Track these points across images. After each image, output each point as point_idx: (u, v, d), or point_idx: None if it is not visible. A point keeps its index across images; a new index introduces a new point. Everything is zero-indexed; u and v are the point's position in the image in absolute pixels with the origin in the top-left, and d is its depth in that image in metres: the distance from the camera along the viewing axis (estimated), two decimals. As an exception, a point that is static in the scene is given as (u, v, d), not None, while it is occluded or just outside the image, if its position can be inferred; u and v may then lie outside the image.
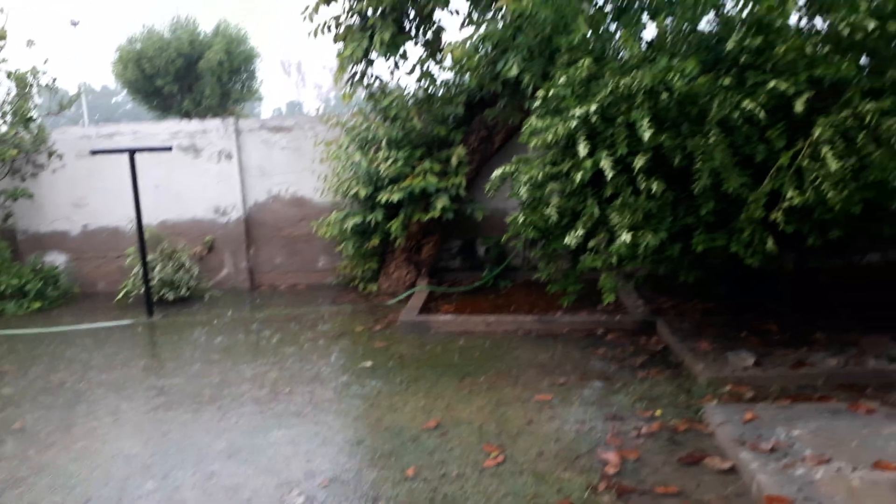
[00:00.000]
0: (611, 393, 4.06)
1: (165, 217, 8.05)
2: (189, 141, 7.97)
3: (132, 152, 6.67)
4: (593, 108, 3.87)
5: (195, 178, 8.01)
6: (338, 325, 6.11)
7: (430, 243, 7.26)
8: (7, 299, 7.39)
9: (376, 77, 6.86)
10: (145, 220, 7.13)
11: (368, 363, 4.91)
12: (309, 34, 6.72)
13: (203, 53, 17.61)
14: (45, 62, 7.82)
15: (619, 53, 4.44)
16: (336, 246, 7.53)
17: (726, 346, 4.55)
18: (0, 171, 7.79)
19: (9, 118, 7.67)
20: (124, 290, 7.35)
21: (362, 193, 6.78)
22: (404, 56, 6.63)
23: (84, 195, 8.17)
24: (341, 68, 6.74)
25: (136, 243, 7.03)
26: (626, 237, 3.78)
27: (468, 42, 5.49)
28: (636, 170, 3.82)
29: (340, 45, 6.55)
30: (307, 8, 6.43)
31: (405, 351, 5.17)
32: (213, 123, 8.03)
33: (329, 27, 6.58)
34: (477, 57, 5.37)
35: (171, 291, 7.28)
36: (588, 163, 3.91)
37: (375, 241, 7.05)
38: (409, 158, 6.68)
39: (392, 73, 6.93)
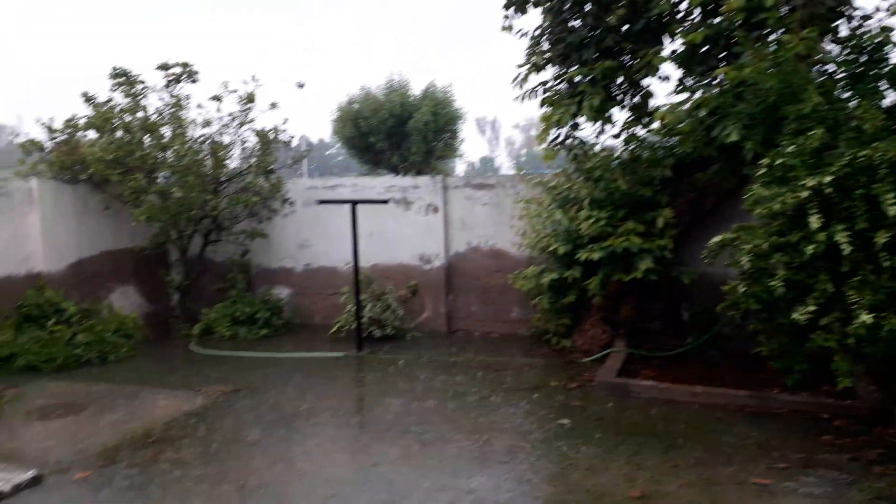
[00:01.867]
0: (842, 487, 3.69)
1: (376, 261, 8.75)
2: (401, 194, 8.66)
3: (354, 203, 7.42)
4: (827, 179, 3.67)
5: (404, 228, 8.66)
6: (532, 377, 6.19)
7: (628, 304, 7.11)
8: (240, 325, 8.44)
9: (580, 140, 7.01)
10: (359, 263, 7.83)
11: (566, 421, 4.92)
12: (515, 99, 7.06)
13: (412, 114, 19.14)
14: (285, 122, 8.99)
15: (853, 122, 4.14)
16: (530, 299, 7.66)
17: None
18: (242, 214, 9.00)
19: (253, 170, 8.89)
20: (337, 325, 8.08)
21: (561, 250, 6.87)
22: (609, 120, 6.72)
23: (308, 238, 9.16)
24: (545, 130, 6.98)
25: (350, 283, 7.74)
26: (866, 318, 3.48)
27: (680, 107, 5.44)
28: (878, 246, 3.53)
29: (544, 107, 6.80)
30: (518, 76, 6.81)
31: (603, 413, 5.10)
32: (423, 180, 8.68)
33: (536, 93, 6.90)
34: (689, 122, 5.30)
35: (378, 329, 7.88)
36: (821, 236, 3.68)
37: (571, 298, 7.07)
38: (611, 218, 6.67)
39: (598, 135, 7.03)
